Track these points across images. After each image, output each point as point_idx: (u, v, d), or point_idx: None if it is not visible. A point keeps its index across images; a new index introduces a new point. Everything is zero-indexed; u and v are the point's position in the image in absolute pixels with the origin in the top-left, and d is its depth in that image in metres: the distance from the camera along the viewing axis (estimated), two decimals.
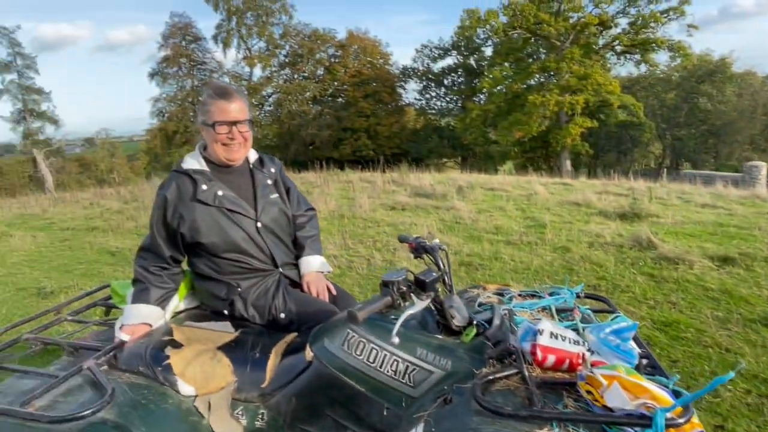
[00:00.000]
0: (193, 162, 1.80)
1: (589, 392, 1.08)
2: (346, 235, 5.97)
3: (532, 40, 27.39)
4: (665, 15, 24.84)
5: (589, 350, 1.22)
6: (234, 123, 1.74)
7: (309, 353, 1.49)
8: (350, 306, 1.79)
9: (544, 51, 27.63)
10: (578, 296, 1.71)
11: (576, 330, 1.37)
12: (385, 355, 1.35)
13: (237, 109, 1.75)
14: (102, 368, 1.54)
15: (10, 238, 7.25)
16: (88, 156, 32.93)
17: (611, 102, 25.09)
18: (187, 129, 30.88)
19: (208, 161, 1.82)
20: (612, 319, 1.40)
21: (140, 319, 1.72)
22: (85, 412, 1.29)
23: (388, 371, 1.33)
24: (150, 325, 1.74)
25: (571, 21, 25.59)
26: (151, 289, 1.75)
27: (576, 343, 1.22)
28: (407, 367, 1.31)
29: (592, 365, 1.18)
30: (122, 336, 1.67)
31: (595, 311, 1.64)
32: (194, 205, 1.74)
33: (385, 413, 1.32)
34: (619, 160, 30.34)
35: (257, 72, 33.23)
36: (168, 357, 1.56)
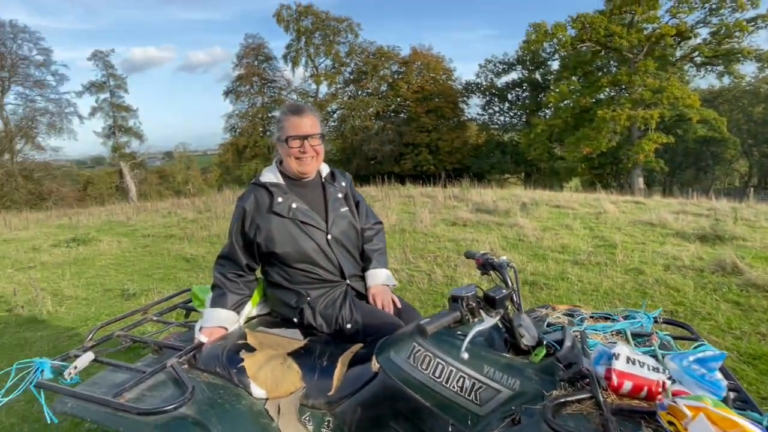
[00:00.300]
0: (270, 175, 1.91)
1: (670, 423, 1.02)
2: (407, 249, 5.99)
3: (602, 53, 26.40)
4: (752, 23, 23.13)
5: (670, 378, 1.16)
6: (305, 137, 1.83)
7: (375, 364, 1.51)
8: (414, 320, 1.81)
9: (615, 64, 26.53)
10: (656, 321, 1.63)
11: (654, 356, 1.30)
12: (451, 370, 1.34)
13: (309, 124, 1.84)
14: (183, 367, 1.65)
15: (99, 243, 7.90)
16: (167, 168, 35.42)
17: (690, 116, 23.57)
18: (256, 144, 32.44)
19: (283, 175, 1.92)
20: (695, 348, 1.32)
21: (218, 322, 1.83)
22: (168, 407, 1.39)
23: (453, 387, 1.33)
24: (226, 329, 1.84)
25: (645, 32, 24.40)
26: (229, 295, 1.86)
27: (655, 370, 1.15)
28: (473, 384, 1.30)
29: (673, 395, 1.11)
30: (201, 337, 1.79)
31: (674, 338, 1.55)
32: (270, 216, 1.83)
33: (450, 430, 1.31)
34: (698, 177, 28.44)
35: (323, 89, 34.49)
36: (242, 360, 1.64)
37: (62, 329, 4.17)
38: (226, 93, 34.20)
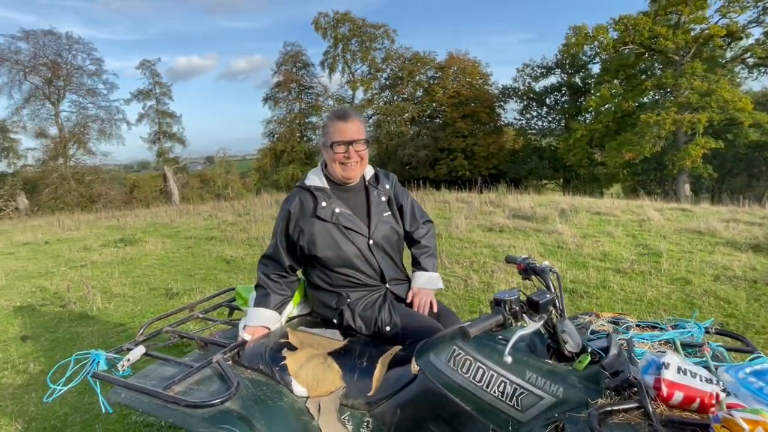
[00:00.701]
0: (315, 179, 1.94)
1: None
2: (443, 254, 5.96)
3: (646, 55, 25.52)
4: None
5: (724, 390, 1.11)
6: (350, 143, 1.85)
7: (414, 366, 1.52)
8: (453, 324, 1.81)
9: (660, 66, 25.56)
10: (707, 331, 1.56)
11: (707, 367, 1.25)
12: (492, 375, 1.33)
13: (353, 129, 1.86)
14: (228, 363, 1.71)
15: (145, 244, 8.24)
16: (207, 173, 36.51)
17: (741, 120, 22.41)
18: (293, 149, 33.02)
19: (328, 179, 1.95)
20: (751, 360, 1.26)
21: (261, 321, 1.88)
22: (215, 401, 1.44)
23: (494, 392, 1.32)
24: (268, 328, 1.89)
25: (692, 34, 23.45)
26: (271, 295, 1.91)
27: (709, 381, 1.11)
28: (515, 389, 1.29)
29: (727, 407, 1.07)
30: (245, 335, 1.84)
31: (728, 350, 1.48)
32: (313, 220, 1.87)
33: None
34: (750, 184, 27.04)
35: (359, 94, 34.73)
36: (284, 358, 1.68)
37: (111, 325, 4.37)
38: (265, 99, 35.01)
